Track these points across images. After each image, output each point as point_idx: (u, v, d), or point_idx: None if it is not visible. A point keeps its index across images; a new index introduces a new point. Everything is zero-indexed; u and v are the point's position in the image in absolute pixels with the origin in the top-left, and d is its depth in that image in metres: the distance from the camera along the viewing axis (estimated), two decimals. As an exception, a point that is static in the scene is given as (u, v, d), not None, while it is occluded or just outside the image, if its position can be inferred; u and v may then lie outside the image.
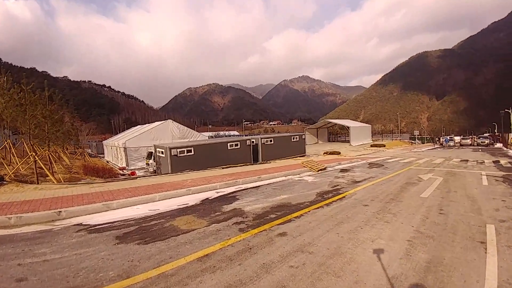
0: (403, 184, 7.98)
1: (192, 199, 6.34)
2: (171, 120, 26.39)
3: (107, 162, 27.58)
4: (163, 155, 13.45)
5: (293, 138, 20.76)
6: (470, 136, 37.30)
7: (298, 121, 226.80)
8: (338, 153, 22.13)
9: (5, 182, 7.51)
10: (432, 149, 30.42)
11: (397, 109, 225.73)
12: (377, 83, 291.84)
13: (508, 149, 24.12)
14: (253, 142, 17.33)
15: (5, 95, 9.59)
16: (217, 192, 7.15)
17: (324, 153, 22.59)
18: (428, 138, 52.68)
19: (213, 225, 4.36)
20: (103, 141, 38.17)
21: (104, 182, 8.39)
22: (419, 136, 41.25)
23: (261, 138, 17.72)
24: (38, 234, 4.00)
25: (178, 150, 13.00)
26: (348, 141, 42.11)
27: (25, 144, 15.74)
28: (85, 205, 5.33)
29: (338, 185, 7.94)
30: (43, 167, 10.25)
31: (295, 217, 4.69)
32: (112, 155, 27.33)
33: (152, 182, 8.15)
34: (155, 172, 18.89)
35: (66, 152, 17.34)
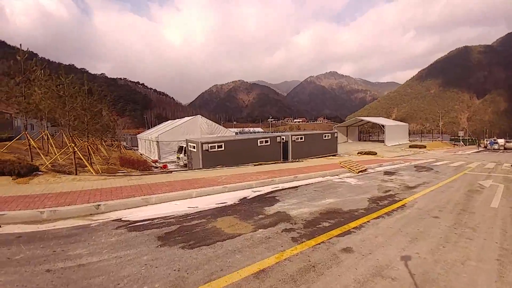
0: (466, 192, 6.84)
1: (229, 198, 5.93)
2: (200, 116, 26.70)
3: (141, 154, 28.87)
4: (195, 150, 13.38)
5: (325, 136, 19.65)
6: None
7: (324, 118, 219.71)
8: (375, 153, 20.52)
9: (40, 173, 7.58)
10: (476, 152, 27.19)
11: (434, 107, 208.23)
12: (412, 79, 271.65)
13: None
14: (283, 139, 16.65)
15: (43, 87, 9.92)
16: (254, 191, 6.67)
17: (358, 153, 21.11)
18: (470, 140, 47.33)
19: (260, 230, 3.84)
20: (137, 135, 40.27)
21: (141, 175, 8.38)
22: (463, 138, 37.05)
23: (292, 135, 16.96)
24: (74, 231, 3.78)
25: (210, 145, 12.81)
26: (382, 141, 39.35)
27: (64, 135, 16.79)
28: (124, 199, 5.16)
29: (389, 190, 7.00)
30: (82, 158, 10.65)
31: (354, 228, 4.00)
32: (146, 148, 28.51)
33: (187, 177, 7.92)
34: (186, 166, 19.17)
35: (104, 144, 18.18)
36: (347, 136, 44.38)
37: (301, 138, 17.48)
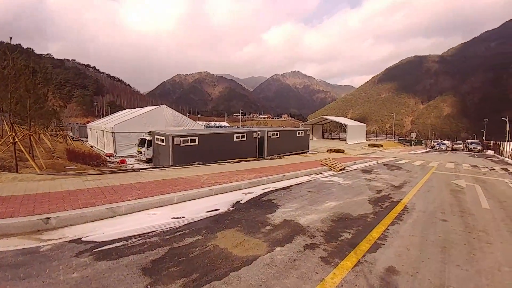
0: (450, 192, 7.06)
1: (220, 202, 5.00)
2: (165, 106, 24.49)
3: (91, 147, 25.34)
4: (163, 144, 11.83)
5: (298, 133, 19.65)
6: (462, 142, 38.08)
7: (288, 116, 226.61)
8: (342, 151, 21.34)
9: None
10: (426, 152, 30.51)
11: (384, 110, 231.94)
12: (367, 83, 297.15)
13: (503, 157, 24.48)
14: (258, 134, 16.01)
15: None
16: (245, 194, 5.84)
17: (327, 151, 21.72)
18: (416, 141, 53.62)
19: (278, 249, 3.07)
20: (86, 124, 35.26)
21: (99, 174, 6.79)
22: (414, 139, 41.55)
23: (268, 131, 16.42)
24: (20, 258, 2.54)
25: (182, 139, 11.43)
26: (344, 139, 41.81)
27: (5, 123, 13.42)
28: (82, 209, 3.85)
29: (381, 190, 6.87)
30: (24, 150, 8.45)
31: (379, 239, 3.50)
32: (97, 139, 25.06)
33: (161, 177, 6.67)
34: (149, 162, 17.20)
35: (47, 134, 15.18)
36: (312, 134, 46.03)
37: (277, 135, 17.07)
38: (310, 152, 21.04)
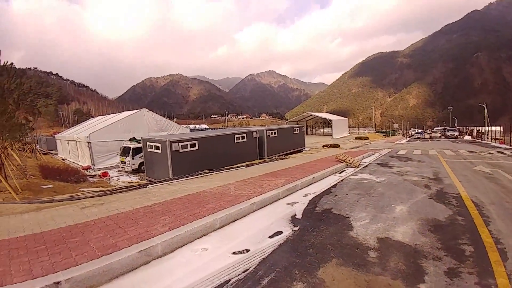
0: (488, 179, 6.68)
1: (273, 221, 3.94)
2: (146, 109, 22.50)
3: (63, 160, 22.53)
4: (159, 151, 10.30)
5: (295, 131, 18.96)
6: (439, 130, 40.31)
7: (266, 115, 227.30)
8: (338, 145, 21.08)
9: None
10: (409, 141, 31.54)
11: (355, 105, 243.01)
12: (337, 80, 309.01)
13: (485, 141, 25.90)
14: (257, 134, 14.98)
15: None
16: (291, 204, 4.83)
17: (323, 146, 21.34)
18: (392, 132, 56.12)
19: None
20: (55, 135, 31.44)
21: (97, 196, 5.29)
22: (391, 130, 43.30)
23: (266, 130, 15.46)
24: None
25: (181, 144, 10.02)
26: (329, 134, 42.23)
27: None
28: (101, 258, 2.57)
29: (426, 184, 6.28)
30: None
31: (497, 244, 2.78)
32: (69, 151, 22.32)
33: (180, 193, 5.38)
34: (136, 173, 15.36)
35: (15, 149, 12.79)
36: (298, 131, 45.95)
37: (275, 133, 16.18)
38: (306, 149, 20.48)
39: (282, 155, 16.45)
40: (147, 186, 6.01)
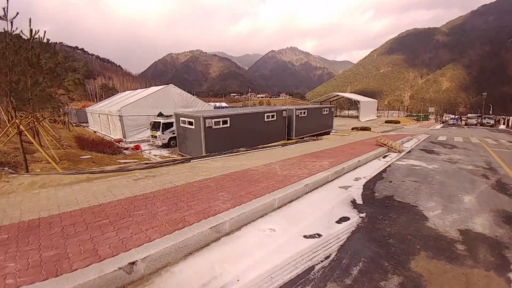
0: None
1: (333, 205, 3.68)
2: (172, 85, 22.54)
3: (94, 132, 23.64)
4: (192, 127, 10.27)
5: (324, 111, 18.12)
6: (475, 116, 36.94)
7: (286, 94, 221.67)
8: (369, 128, 19.99)
9: None
10: (443, 127, 29.32)
11: (382, 86, 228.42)
12: (365, 58, 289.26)
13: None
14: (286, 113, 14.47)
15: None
16: (344, 188, 4.53)
17: (352, 129, 20.38)
18: (423, 116, 52.19)
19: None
20: (85, 108, 32.94)
21: (147, 168, 5.31)
22: (423, 114, 40.29)
23: (296, 109, 14.84)
24: None
25: (214, 120, 9.88)
26: (354, 116, 40.36)
27: (1, 109, 11.49)
28: (174, 233, 2.48)
29: (483, 174, 5.70)
30: (33, 140, 6.89)
31: None
32: (101, 124, 23.30)
33: (227, 169, 5.24)
34: (166, 147, 15.74)
35: (47, 120, 13.42)
36: (321, 112, 44.38)
37: (304, 113, 15.53)
38: (334, 131, 19.70)
39: (310, 136, 15.94)
40: (191, 161, 5.95)
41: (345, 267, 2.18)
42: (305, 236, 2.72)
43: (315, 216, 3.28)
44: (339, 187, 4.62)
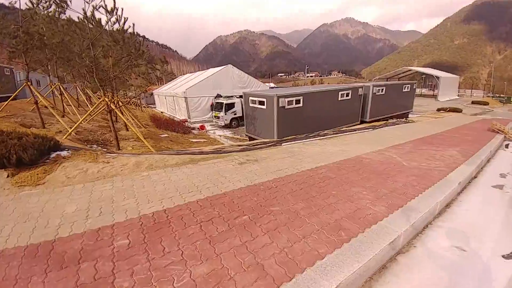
0: None
1: (504, 209, 2.58)
2: (231, 65, 22.33)
3: (162, 112, 25.54)
4: (263, 107, 9.68)
5: (405, 88, 15.44)
6: None
7: (338, 72, 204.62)
8: (460, 110, 16.42)
9: (62, 153, 3.85)
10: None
11: (457, 60, 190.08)
12: (436, 28, 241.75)
13: None
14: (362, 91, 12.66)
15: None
16: (500, 188, 3.29)
17: (438, 110, 17.09)
18: (506, 98, 40.74)
19: None
20: (152, 91, 36.11)
21: (242, 151, 4.94)
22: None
23: (373, 86, 12.86)
24: None
25: (287, 99, 9.07)
26: (429, 96, 34.43)
27: (78, 89, 12.89)
28: (338, 249, 1.85)
29: None
30: (125, 120, 7.30)
31: None
32: (167, 105, 24.98)
33: (332, 158, 4.49)
34: (227, 128, 15.85)
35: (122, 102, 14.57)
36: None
37: (382, 90, 13.41)
38: (412, 113, 16.85)
39: (385, 118, 13.90)
40: (282, 144, 5.38)
41: None
42: (503, 256, 1.80)
43: (492, 226, 2.28)
44: (492, 186, 3.39)
